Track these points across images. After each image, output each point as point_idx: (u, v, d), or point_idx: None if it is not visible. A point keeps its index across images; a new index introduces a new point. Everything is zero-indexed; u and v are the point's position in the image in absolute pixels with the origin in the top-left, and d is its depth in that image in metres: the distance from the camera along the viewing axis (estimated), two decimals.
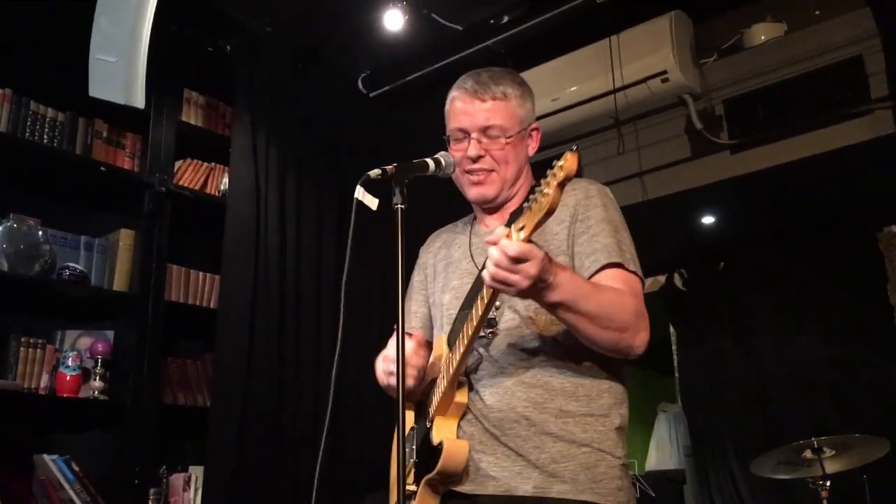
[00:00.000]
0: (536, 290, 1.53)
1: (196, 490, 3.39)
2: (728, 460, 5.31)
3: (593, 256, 1.78)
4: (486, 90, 1.91)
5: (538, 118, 4.19)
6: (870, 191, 4.58)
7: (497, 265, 1.49)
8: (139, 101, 3.27)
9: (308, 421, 3.58)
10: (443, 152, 1.89)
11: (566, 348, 1.77)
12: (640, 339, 1.71)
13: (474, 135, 1.90)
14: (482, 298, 1.61)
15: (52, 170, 3.34)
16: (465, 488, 1.75)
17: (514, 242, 1.47)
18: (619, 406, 1.81)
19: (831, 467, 3.56)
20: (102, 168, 3.36)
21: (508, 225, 1.53)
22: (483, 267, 1.55)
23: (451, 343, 1.82)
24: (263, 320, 3.55)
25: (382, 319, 3.89)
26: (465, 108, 1.92)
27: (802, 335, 5.12)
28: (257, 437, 3.41)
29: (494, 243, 1.49)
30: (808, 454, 3.59)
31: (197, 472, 3.41)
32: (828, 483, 3.54)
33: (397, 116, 4.35)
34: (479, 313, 1.62)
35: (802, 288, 5.16)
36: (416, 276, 2.15)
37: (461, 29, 3.91)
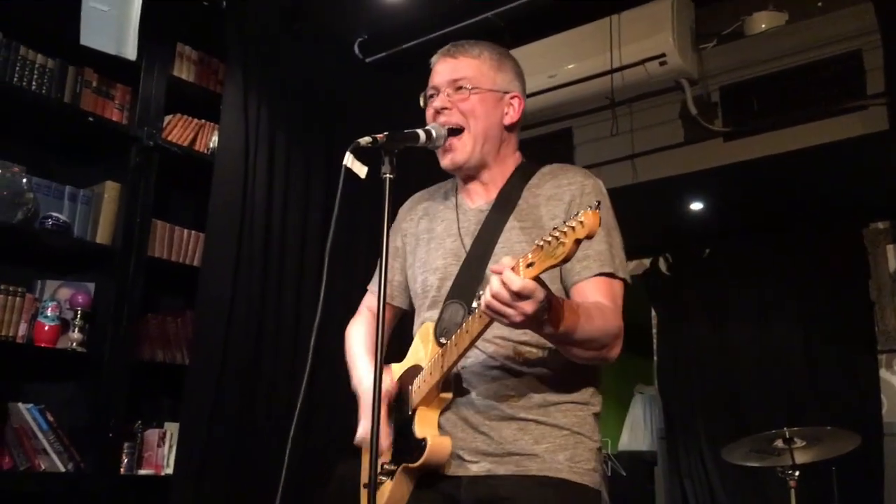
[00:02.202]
0: (530, 324, 1.54)
1: (170, 447, 3.39)
2: (700, 445, 5.37)
3: (585, 262, 1.77)
4: (460, 49, 1.93)
5: (534, 94, 4.20)
6: (859, 186, 4.60)
7: (495, 296, 1.48)
8: (131, 53, 3.23)
9: (285, 384, 3.58)
10: (433, 124, 1.87)
11: (551, 345, 1.76)
12: (614, 353, 1.74)
13: (443, 88, 1.90)
14: (478, 318, 1.60)
15: (39, 117, 3.29)
16: (448, 471, 1.77)
17: (517, 277, 1.45)
18: (595, 395, 1.85)
19: (801, 458, 3.61)
20: (90, 118, 3.31)
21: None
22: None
23: (438, 335, 1.81)
24: (246, 281, 3.53)
25: (365, 286, 3.88)
26: (438, 67, 1.94)
27: (782, 326, 5.17)
28: (233, 396, 3.40)
29: (499, 272, 1.48)
30: (779, 444, 3.64)
31: (172, 428, 3.42)
32: (797, 473, 3.59)
33: (392, 84, 4.30)
34: (472, 333, 1.62)
35: (785, 279, 5.20)
36: (394, 241, 2.08)
37: None
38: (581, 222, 1.38)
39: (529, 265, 1.45)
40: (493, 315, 1.51)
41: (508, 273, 1.46)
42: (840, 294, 4.98)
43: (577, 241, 1.39)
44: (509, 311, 1.48)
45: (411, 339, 1.95)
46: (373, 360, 1.83)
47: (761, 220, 5.20)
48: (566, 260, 1.41)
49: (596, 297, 1.74)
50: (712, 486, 5.24)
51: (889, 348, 4.83)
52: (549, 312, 1.53)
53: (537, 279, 1.48)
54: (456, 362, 1.71)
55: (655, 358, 6.02)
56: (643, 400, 7.07)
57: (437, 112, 1.89)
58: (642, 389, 7.14)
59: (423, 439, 1.74)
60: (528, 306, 1.47)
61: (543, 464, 1.72)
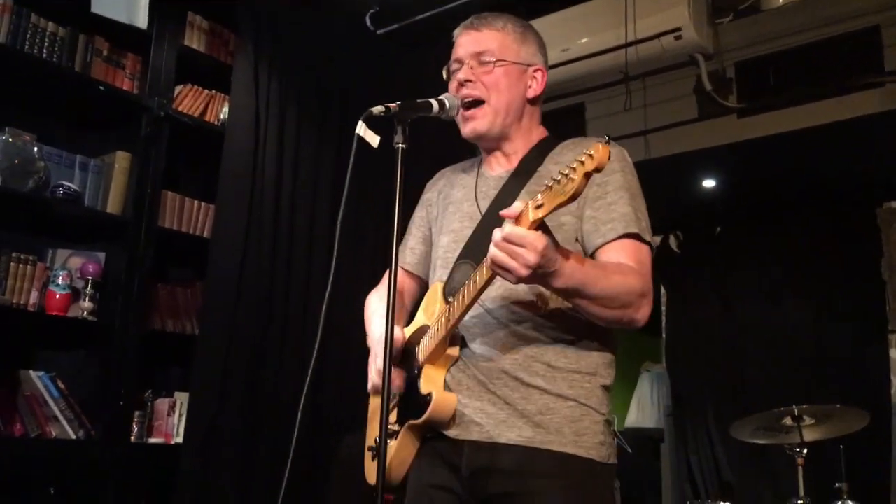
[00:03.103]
0: (537, 277, 1.52)
1: (180, 416, 3.42)
2: (707, 422, 5.37)
3: (610, 224, 1.74)
4: (483, 21, 1.92)
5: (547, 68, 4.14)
6: (874, 165, 4.55)
7: (497, 246, 1.48)
8: (142, 22, 3.22)
9: (294, 355, 3.59)
10: (446, 94, 1.86)
11: (561, 306, 1.76)
12: (641, 314, 1.69)
13: (467, 60, 1.88)
14: (482, 272, 1.59)
15: (50, 85, 3.28)
16: (449, 433, 1.76)
17: (517, 228, 1.45)
18: (607, 367, 1.81)
19: (809, 436, 3.60)
20: (101, 87, 3.30)
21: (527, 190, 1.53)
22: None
23: (446, 294, 1.80)
24: (255, 252, 3.54)
25: (376, 258, 3.88)
26: (461, 40, 1.92)
27: (792, 304, 5.15)
28: (243, 367, 3.43)
29: (503, 217, 1.48)
30: (787, 421, 3.63)
31: (182, 398, 3.44)
32: (804, 451, 3.59)
33: (404, 56, 4.27)
34: (477, 285, 1.61)
35: (797, 257, 5.16)
36: (419, 212, 2.11)
37: None
38: (590, 155, 1.37)
39: (539, 206, 1.44)
40: (498, 269, 1.50)
41: (508, 223, 1.46)
42: (851, 273, 4.95)
43: (587, 175, 1.38)
44: (512, 262, 1.47)
45: None
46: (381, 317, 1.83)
47: (774, 198, 5.15)
48: (575, 196, 1.39)
49: (620, 258, 1.71)
50: (719, 463, 5.26)
51: None
52: (556, 265, 1.51)
53: (545, 230, 1.47)
54: (461, 317, 1.70)
55: (664, 335, 6.01)
56: (650, 377, 7.07)
57: (461, 84, 1.87)
58: (650, 367, 7.15)
59: (429, 394, 1.74)
60: (530, 257, 1.46)
61: (548, 436, 1.70)
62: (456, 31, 1.96)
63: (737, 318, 5.41)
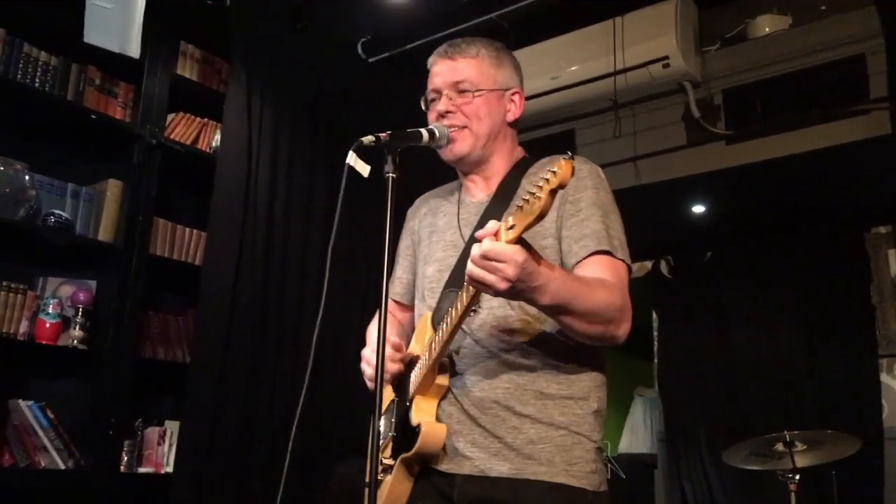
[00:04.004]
0: (518, 292, 1.51)
1: (171, 445, 3.39)
2: (700, 448, 5.36)
3: (582, 242, 1.75)
4: (458, 50, 1.92)
5: (537, 96, 4.20)
6: (861, 190, 4.60)
7: (474, 262, 1.48)
8: (134, 51, 3.23)
9: (286, 383, 3.58)
10: (436, 123, 1.87)
11: (549, 330, 1.76)
12: (623, 330, 1.70)
13: (445, 91, 1.90)
14: (466, 291, 1.60)
15: (43, 114, 3.29)
16: (441, 467, 1.76)
17: (492, 242, 1.46)
18: (598, 389, 1.80)
19: (801, 461, 3.60)
20: (93, 116, 3.31)
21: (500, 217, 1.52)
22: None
23: (435, 323, 1.80)
24: (248, 280, 3.53)
25: (367, 286, 3.89)
26: (437, 69, 1.93)
27: (783, 329, 5.16)
28: (234, 395, 3.40)
29: (480, 240, 1.48)
30: (779, 447, 3.63)
31: (172, 426, 3.42)
32: (797, 476, 3.59)
33: (396, 84, 4.30)
34: (462, 306, 1.61)
35: (787, 282, 5.19)
36: (404, 241, 2.12)
37: None
38: (553, 172, 1.39)
39: (511, 227, 1.46)
40: (477, 285, 1.51)
41: (486, 240, 1.47)
42: (841, 298, 4.97)
43: (552, 192, 1.39)
44: (490, 277, 1.47)
45: None
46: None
47: (763, 223, 5.19)
48: (542, 215, 1.41)
49: (597, 274, 1.71)
50: (712, 488, 5.24)
51: (890, 353, 4.83)
52: (540, 279, 1.51)
53: (523, 243, 1.47)
54: (448, 342, 1.69)
55: (656, 360, 6.02)
56: (643, 402, 7.07)
57: (441, 116, 1.88)
58: (642, 392, 7.14)
59: (418, 425, 1.73)
60: (508, 270, 1.46)
61: (540, 467, 1.69)
62: (430, 60, 1.97)
63: (728, 343, 5.42)
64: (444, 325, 1.69)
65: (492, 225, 1.50)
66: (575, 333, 1.67)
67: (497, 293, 1.50)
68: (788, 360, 5.06)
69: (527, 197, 1.43)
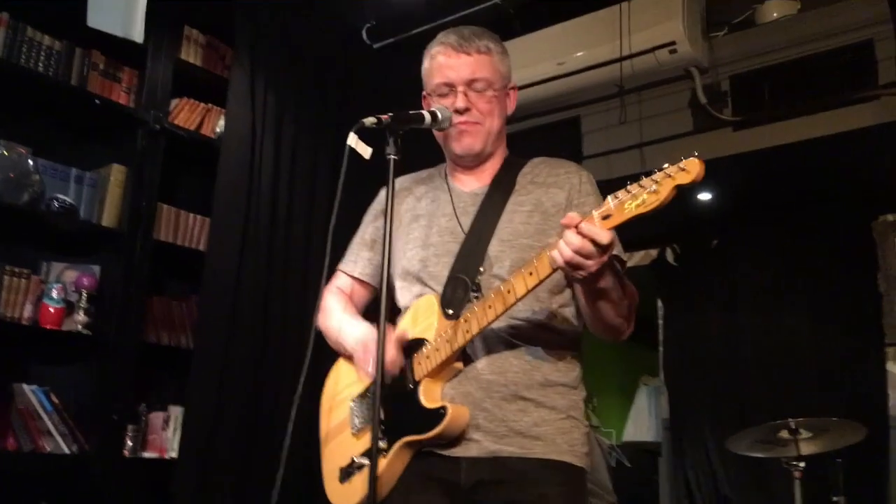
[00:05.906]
0: (596, 275, 1.57)
1: (175, 430, 3.41)
2: (705, 435, 5.35)
3: None
4: (470, 44, 1.92)
5: (542, 81, 4.17)
6: (869, 177, 4.56)
7: (577, 251, 1.49)
8: (138, 36, 3.22)
9: (289, 368, 3.58)
10: (439, 105, 1.87)
11: (555, 320, 1.83)
12: (631, 326, 1.80)
13: (461, 87, 1.89)
14: (526, 277, 1.61)
15: (46, 99, 3.29)
16: (444, 451, 1.77)
17: (604, 230, 1.48)
18: (582, 379, 1.91)
19: (806, 449, 3.59)
20: (97, 101, 3.31)
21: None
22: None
23: (444, 307, 1.79)
24: (251, 266, 3.53)
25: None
26: (450, 62, 1.92)
27: (788, 317, 5.13)
28: (238, 380, 3.41)
29: (571, 225, 1.50)
30: (784, 434, 3.62)
31: (176, 411, 3.43)
32: (801, 464, 3.57)
33: (400, 69, 4.27)
34: (524, 287, 1.62)
35: (793, 270, 5.16)
36: (373, 222, 2.10)
37: None
38: (683, 168, 1.37)
39: (605, 217, 1.47)
40: (568, 269, 1.53)
41: (587, 226, 1.48)
42: (848, 286, 4.94)
43: (677, 188, 1.38)
44: (588, 262, 1.51)
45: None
46: (359, 320, 1.92)
47: (770, 211, 5.16)
48: (658, 209, 1.41)
49: None
50: (716, 476, 5.23)
51: None
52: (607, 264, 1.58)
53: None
54: (484, 328, 1.70)
55: (661, 349, 6.00)
56: (648, 391, 7.06)
57: (459, 112, 1.89)
58: (647, 381, 7.14)
59: (441, 408, 1.73)
60: (606, 256, 1.53)
61: (546, 447, 1.76)
62: (437, 49, 1.95)
63: (734, 331, 5.40)
64: (476, 315, 1.69)
65: (575, 215, 1.52)
66: (599, 320, 1.75)
67: (583, 277, 1.55)
68: (794, 349, 5.04)
69: (632, 190, 1.43)
